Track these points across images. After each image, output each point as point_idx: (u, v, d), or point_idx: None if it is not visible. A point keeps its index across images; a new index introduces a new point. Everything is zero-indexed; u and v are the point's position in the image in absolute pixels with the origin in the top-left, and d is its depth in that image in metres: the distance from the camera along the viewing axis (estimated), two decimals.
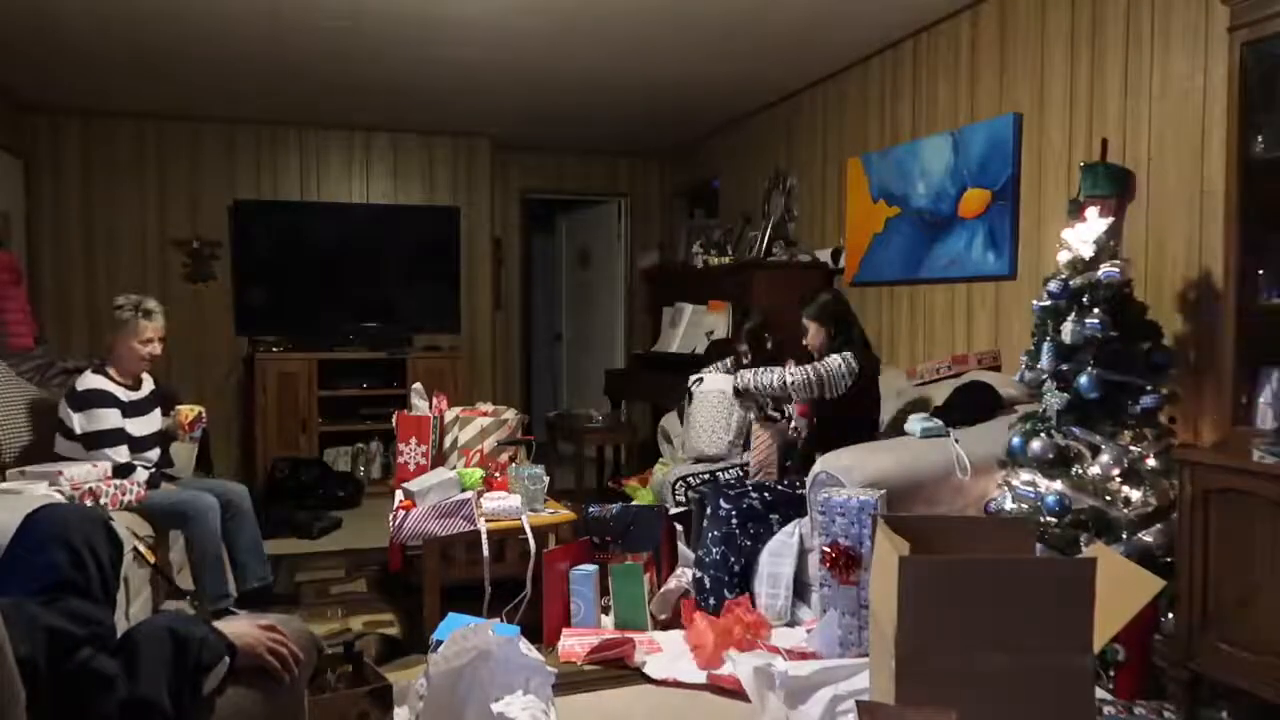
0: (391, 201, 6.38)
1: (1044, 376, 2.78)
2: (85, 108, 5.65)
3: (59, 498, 2.75)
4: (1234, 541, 2.21)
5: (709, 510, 3.26)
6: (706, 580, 3.15)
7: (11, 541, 1.50)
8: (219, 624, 1.48)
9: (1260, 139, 2.33)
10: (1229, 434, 2.38)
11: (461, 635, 2.26)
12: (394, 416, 3.89)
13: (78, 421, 3.19)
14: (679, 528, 3.64)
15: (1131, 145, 3.11)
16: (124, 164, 5.83)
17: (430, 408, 3.86)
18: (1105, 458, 2.61)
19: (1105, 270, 2.68)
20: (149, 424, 3.42)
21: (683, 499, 3.75)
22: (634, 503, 3.95)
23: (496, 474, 3.61)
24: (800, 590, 3.16)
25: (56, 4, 3.83)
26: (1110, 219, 2.80)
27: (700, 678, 2.70)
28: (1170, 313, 2.92)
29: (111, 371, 3.32)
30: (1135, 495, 2.56)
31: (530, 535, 3.16)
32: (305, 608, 3.52)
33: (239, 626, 1.50)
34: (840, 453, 3.06)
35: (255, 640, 1.48)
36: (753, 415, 3.75)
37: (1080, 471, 2.65)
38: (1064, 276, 2.78)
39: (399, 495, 3.42)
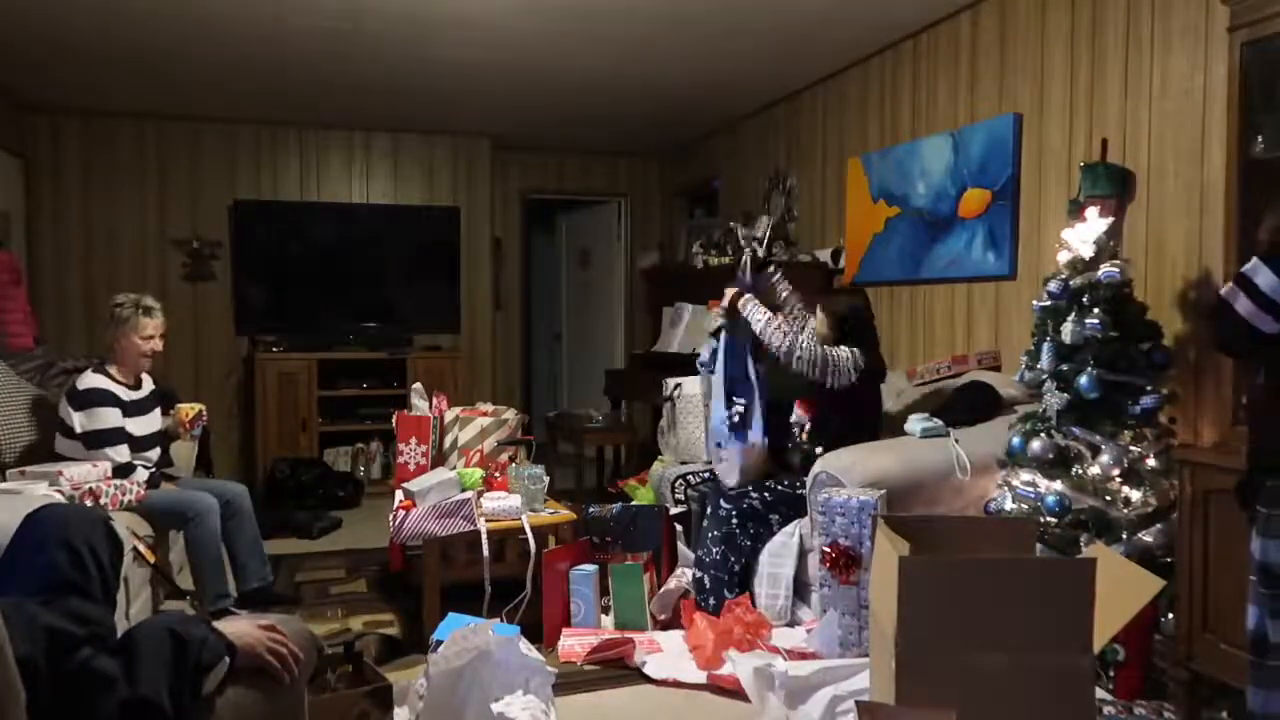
0: (392, 201, 6.38)
1: (1044, 376, 2.78)
2: (85, 108, 5.65)
3: (59, 498, 2.75)
4: (1234, 541, 2.21)
5: (709, 510, 3.26)
6: (706, 580, 3.15)
7: (12, 541, 1.51)
8: (219, 624, 1.48)
9: (1260, 139, 2.33)
10: (1229, 434, 2.37)
11: (461, 635, 2.26)
12: (394, 416, 3.89)
13: (78, 420, 3.19)
14: (679, 528, 3.64)
15: (1131, 145, 3.11)
16: (124, 164, 5.83)
17: (430, 408, 3.86)
18: (1105, 458, 2.61)
19: (1105, 270, 2.68)
20: (149, 423, 3.43)
21: (682, 497, 3.74)
22: (634, 503, 3.95)
23: (496, 474, 3.61)
24: (800, 590, 3.16)
25: (56, 4, 3.83)
26: (1110, 219, 2.80)
27: (700, 678, 2.70)
28: (1170, 313, 2.92)
29: (112, 370, 3.32)
30: (1135, 495, 2.56)
31: (530, 535, 3.16)
32: (305, 608, 3.52)
33: (239, 627, 1.50)
34: (840, 453, 3.06)
35: (255, 640, 1.48)
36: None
37: (1080, 471, 2.65)
38: (1064, 276, 2.78)
39: (399, 495, 3.43)
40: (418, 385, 4.10)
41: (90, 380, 3.24)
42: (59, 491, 2.84)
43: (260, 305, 6.02)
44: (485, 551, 3.11)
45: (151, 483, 3.30)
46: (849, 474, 2.93)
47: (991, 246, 3.75)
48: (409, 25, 4.12)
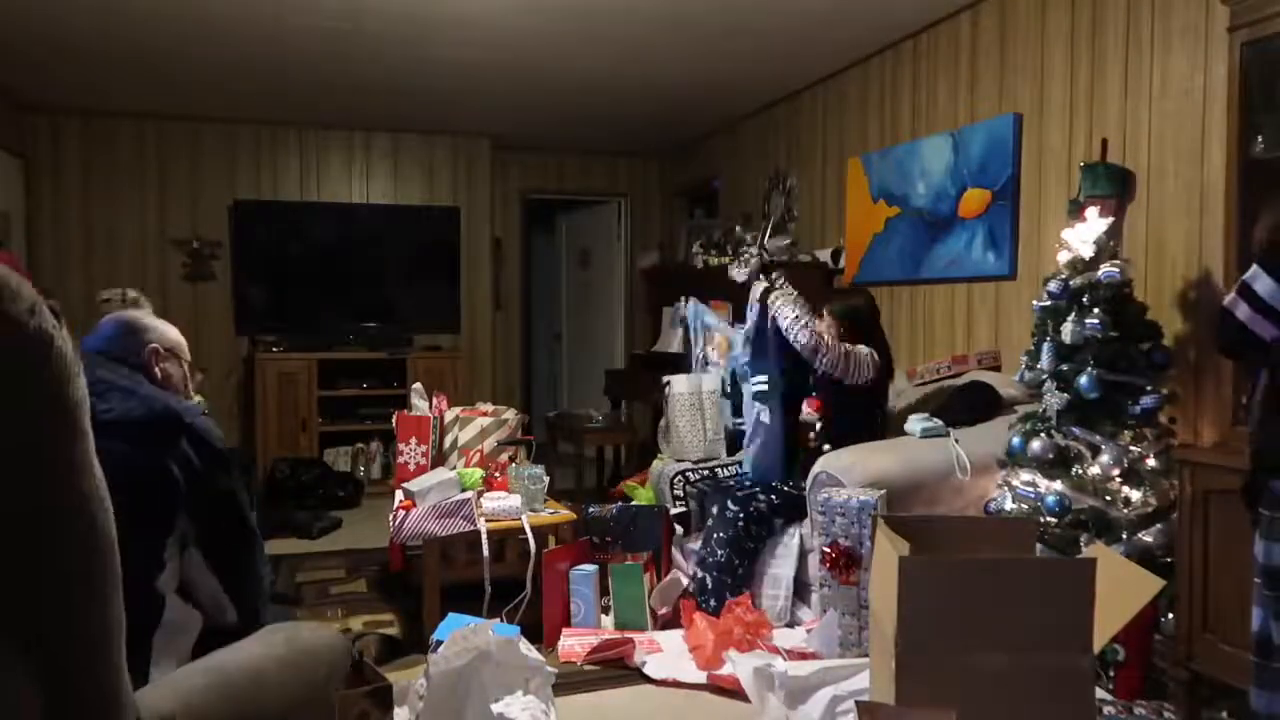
0: (392, 201, 6.38)
1: (1044, 376, 2.78)
2: (85, 108, 5.65)
3: None
4: (1234, 542, 2.21)
5: (715, 510, 3.25)
6: (709, 580, 3.14)
7: None
8: None
9: (1260, 139, 2.33)
10: (1229, 434, 2.37)
11: (461, 635, 2.26)
12: (394, 416, 3.89)
13: None
14: (679, 528, 3.64)
15: (1131, 145, 3.11)
16: (124, 164, 5.83)
17: (430, 408, 3.86)
18: (1105, 458, 2.61)
19: (1105, 270, 2.68)
20: None
21: (681, 494, 3.74)
22: (634, 503, 3.95)
23: (496, 474, 3.61)
24: (800, 590, 3.16)
25: (56, 4, 3.83)
26: (1110, 219, 2.80)
27: (700, 678, 2.70)
28: (1170, 313, 2.92)
29: None
30: (1135, 495, 2.56)
31: (530, 535, 3.16)
32: (305, 608, 3.52)
33: None
34: (840, 453, 3.06)
35: None
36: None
37: (1080, 471, 2.65)
38: (1064, 276, 2.78)
39: (399, 495, 3.43)
40: (418, 385, 4.10)
41: None
42: None
43: (260, 305, 6.02)
44: (485, 551, 3.11)
45: None
46: (849, 474, 2.93)
47: (991, 246, 3.75)
48: (409, 25, 4.12)
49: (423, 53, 4.53)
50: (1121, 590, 1.85)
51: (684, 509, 3.70)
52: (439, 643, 2.35)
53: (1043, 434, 2.74)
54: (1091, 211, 2.80)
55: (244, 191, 6.03)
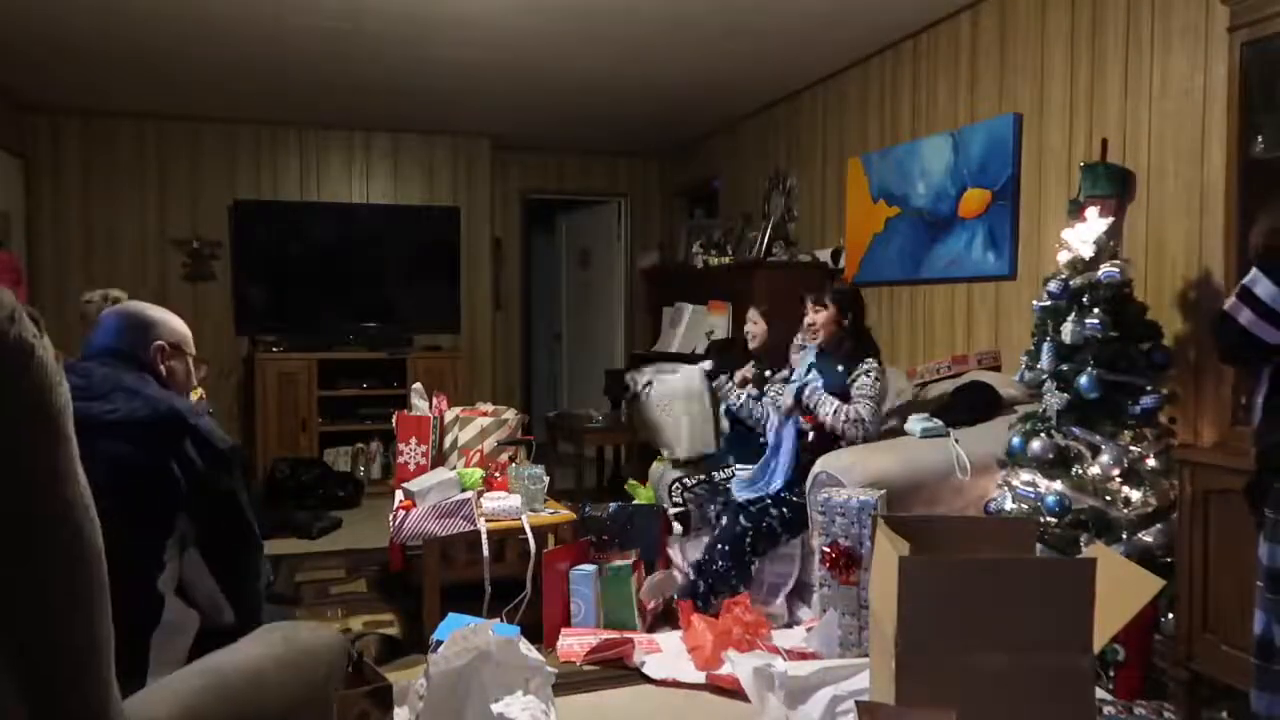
0: (392, 201, 6.38)
1: (1044, 376, 2.78)
2: (85, 108, 5.65)
3: None
4: (1234, 541, 2.21)
5: (724, 521, 3.22)
6: (701, 585, 3.13)
7: None
8: None
9: (1260, 139, 2.33)
10: (1229, 434, 2.37)
11: (461, 635, 2.26)
12: (394, 416, 3.89)
13: None
14: (678, 527, 3.64)
15: (1131, 145, 3.11)
16: (124, 164, 5.83)
17: (430, 408, 3.86)
18: (1105, 458, 2.61)
19: (1105, 270, 2.68)
20: None
21: (679, 501, 3.74)
22: (633, 502, 3.95)
23: (496, 474, 3.61)
24: (800, 590, 3.16)
25: (56, 4, 3.83)
26: (1110, 219, 2.80)
27: (700, 678, 2.70)
28: (1170, 313, 2.92)
29: None
30: (1135, 495, 2.56)
31: (530, 535, 3.16)
32: (305, 608, 3.52)
33: None
34: (841, 452, 3.06)
35: None
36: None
37: (1080, 471, 2.65)
38: (1064, 276, 2.78)
39: (399, 495, 3.42)
40: (418, 385, 4.10)
41: None
42: None
43: (260, 305, 6.02)
44: (485, 551, 3.11)
45: None
46: (849, 474, 2.93)
47: (991, 246, 3.75)
48: (409, 25, 4.12)
49: (423, 53, 4.53)
50: (1121, 590, 1.85)
51: (682, 509, 3.70)
52: (439, 643, 2.35)
53: (1043, 434, 2.74)
54: (1091, 211, 2.80)
55: (244, 191, 6.03)
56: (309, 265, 6.06)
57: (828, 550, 2.78)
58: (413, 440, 3.75)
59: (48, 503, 0.97)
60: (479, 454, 3.80)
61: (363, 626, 3.26)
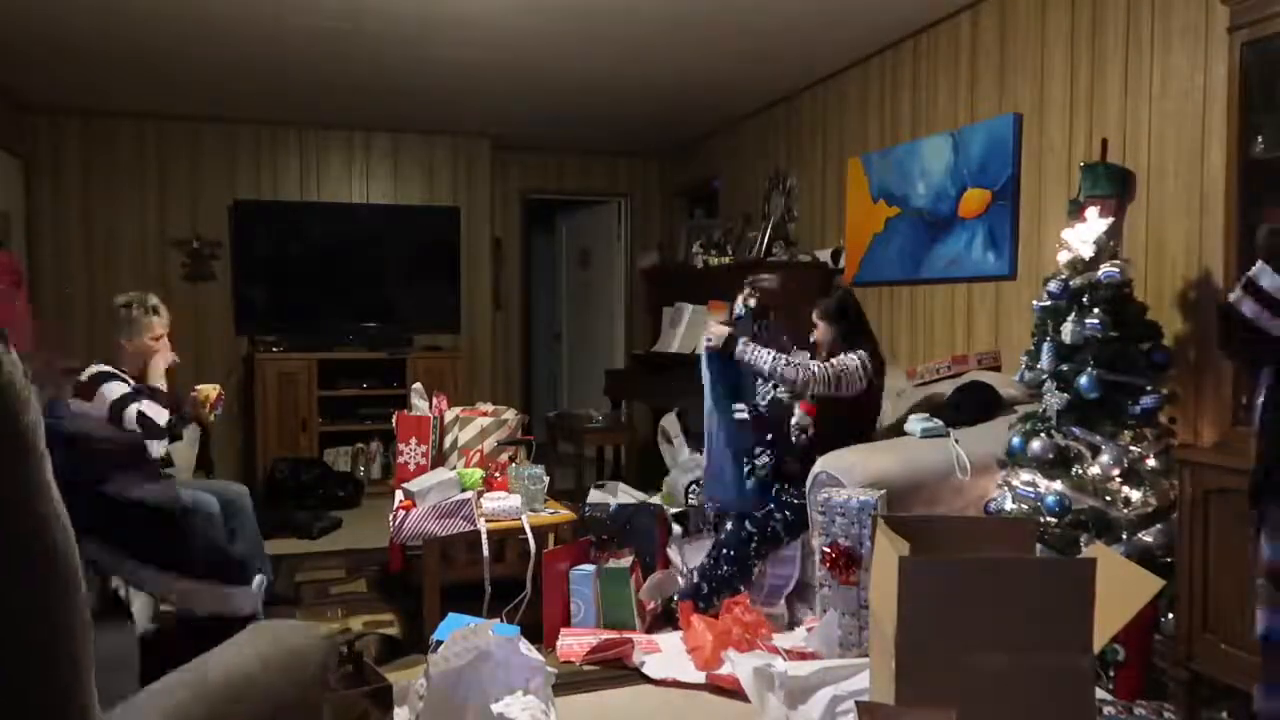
0: (392, 201, 6.38)
1: (1044, 376, 2.78)
2: (85, 108, 5.65)
3: None
4: (1234, 541, 2.21)
5: (730, 526, 3.21)
6: (705, 588, 3.13)
7: None
8: None
9: (1260, 139, 2.33)
10: (1229, 434, 2.37)
11: (461, 635, 2.26)
12: (394, 416, 3.89)
13: (93, 406, 3.15)
14: (677, 528, 3.64)
15: (1131, 145, 3.11)
16: (124, 164, 5.83)
17: (430, 408, 3.86)
18: (1105, 458, 2.61)
19: (1105, 270, 2.68)
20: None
21: (695, 502, 3.72)
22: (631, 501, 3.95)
23: (496, 474, 3.61)
24: (801, 590, 3.16)
25: (56, 4, 3.83)
26: (1110, 219, 2.80)
27: (700, 678, 2.70)
28: (1170, 313, 2.92)
29: (120, 370, 3.30)
30: (1135, 495, 2.56)
31: (530, 535, 3.16)
32: (305, 608, 3.52)
33: None
34: (841, 452, 3.05)
35: None
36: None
37: (1080, 472, 2.65)
38: (1064, 276, 2.78)
39: (399, 495, 3.43)
40: (418, 385, 4.10)
41: (96, 368, 3.21)
42: None
43: (260, 305, 6.02)
44: (485, 551, 3.11)
45: None
46: (849, 474, 2.93)
47: (991, 246, 3.75)
48: (409, 25, 4.12)
49: (423, 53, 4.53)
50: (1121, 590, 1.85)
51: (681, 509, 3.70)
52: (439, 643, 2.35)
53: (1043, 434, 2.74)
54: (1091, 211, 2.80)
55: (244, 191, 6.03)
56: (309, 265, 6.06)
57: (828, 550, 2.78)
58: (413, 440, 3.75)
59: (20, 519, 0.95)
60: (479, 454, 3.80)
61: (363, 626, 3.26)
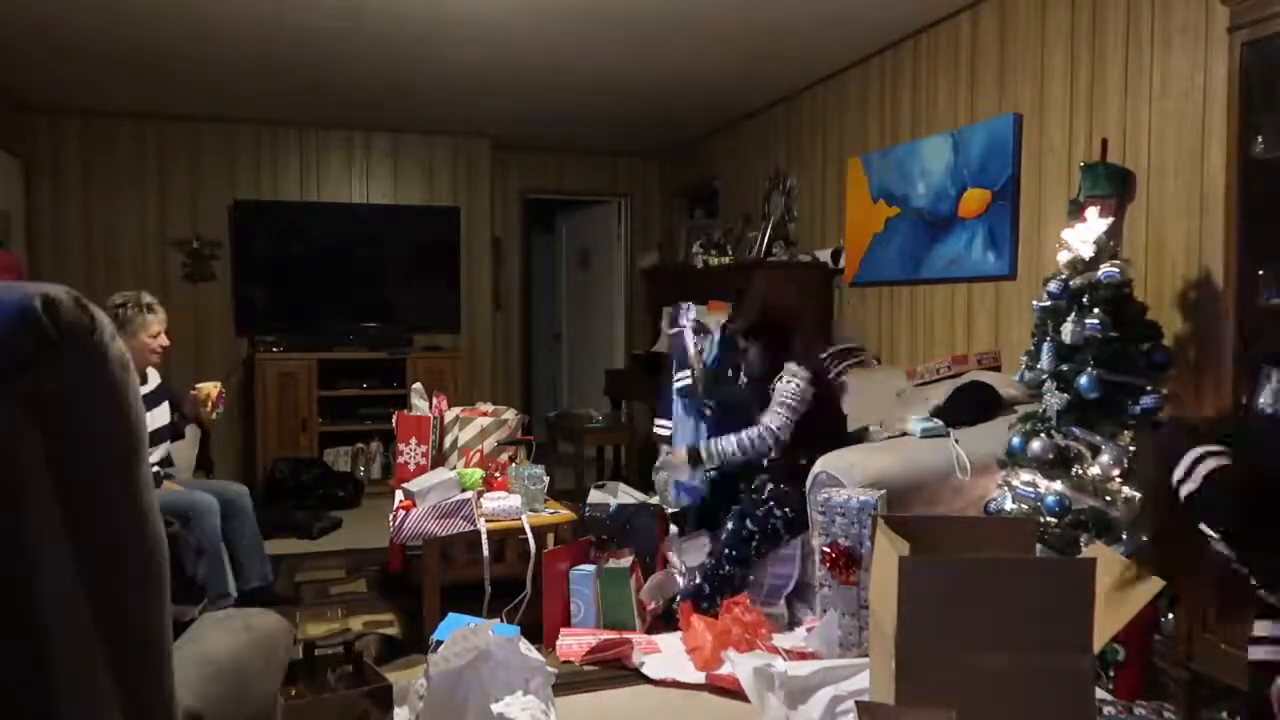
0: (392, 201, 6.38)
1: (1044, 376, 2.78)
2: (85, 108, 5.65)
3: None
4: None
5: (731, 526, 3.19)
6: (706, 587, 3.13)
7: None
8: None
9: (1260, 139, 2.33)
10: None
11: (461, 635, 2.26)
12: (394, 416, 3.89)
13: None
14: (674, 528, 3.64)
15: (1131, 145, 3.11)
16: (124, 164, 5.83)
17: (430, 408, 3.86)
18: (1105, 458, 2.61)
19: (1105, 270, 2.68)
20: (155, 419, 3.40)
21: (688, 500, 3.73)
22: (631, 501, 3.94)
23: (496, 474, 3.61)
24: (801, 590, 3.16)
25: (56, 4, 3.83)
26: (1110, 219, 2.80)
27: (700, 678, 2.70)
28: (1170, 313, 2.92)
29: None
30: (1135, 495, 2.55)
31: (530, 535, 3.16)
32: (305, 608, 3.52)
33: None
34: (841, 452, 3.05)
35: None
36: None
37: (1080, 472, 2.65)
38: (1064, 277, 2.78)
39: (399, 495, 3.42)
40: (418, 385, 4.10)
41: None
42: None
43: (260, 305, 6.02)
44: (485, 551, 3.11)
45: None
46: (849, 474, 2.93)
47: (991, 246, 3.75)
48: (409, 25, 4.12)
49: (423, 52, 4.53)
50: (1121, 590, 1.85)
51: (679, 510, 3.69)
52: (439, 643, 2.35)
53: (1043, 434, 2.74)
54: (1091, 211, 2.80)
55: (244, 191, 6.03)
56: (309, 265, 6.06)
57: (828, 550, 2.78)
58: (413, 440, 3.75)
59: (132, 515, 1.02)
60: (479, 454, 3.80)
61: (363, 626, 3.26)
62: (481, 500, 3.32)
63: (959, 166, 3.92)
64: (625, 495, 3.90)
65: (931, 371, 3.86)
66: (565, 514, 3.37)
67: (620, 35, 4.26)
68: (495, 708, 2.20)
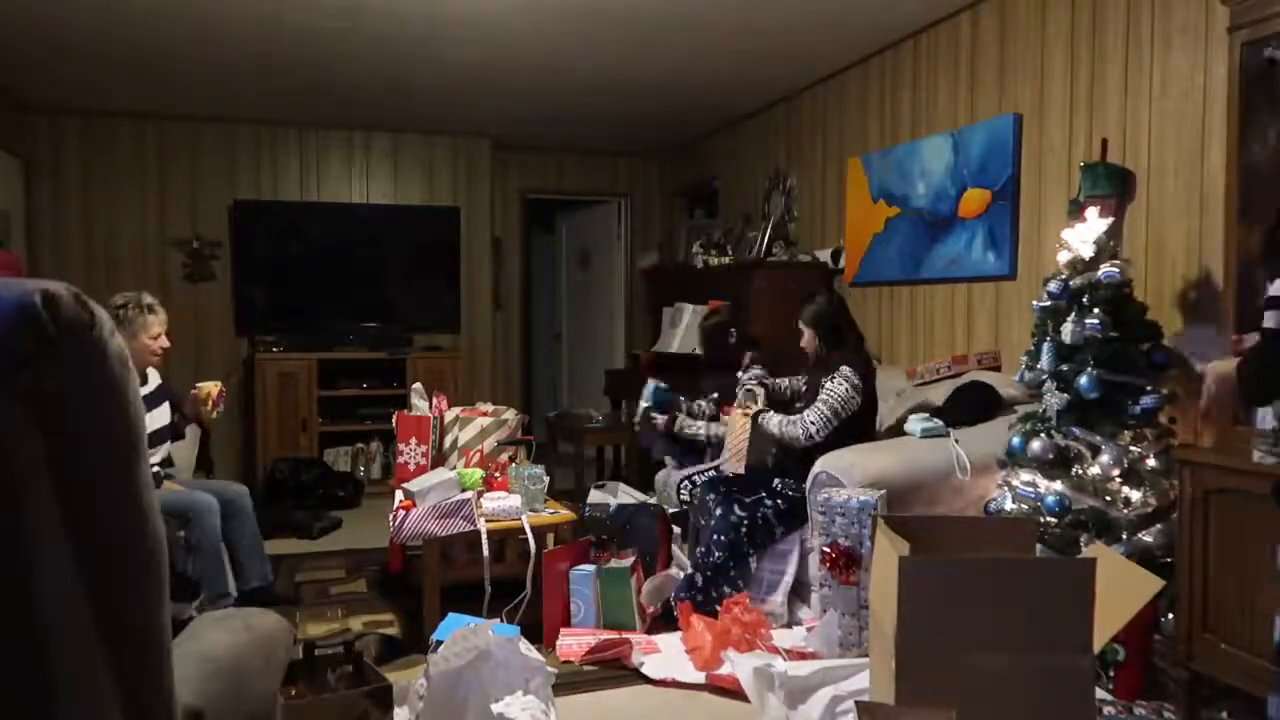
0: (392, 201, 6.38)
1: (1044, 376, 2.78)
2: (85, 108, 5.65)
3: None
4: (1234, 541, 2.21)
5: (719, 512, 3.22)
6: (699, 579, 3.14)
7: None
8: None
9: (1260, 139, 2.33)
10: (1229, 434, 2.37)
11: (461, 635, 2.26)
12: (394, 416, 3.89)
13: None
14: (676, 529, 3.64)
15: (1131, 145, 3.11)
16: (124, 164, 5.83)
17: (430, 408, 3.86)
18: (1105, 458, 2.61)
19: (1105, 270, 2.68)
20: (155, 420, 3.40)
21: (687, 497, 3.73)
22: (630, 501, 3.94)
23: (496, 474, 3.61)
24: (800, 590, 3.16)
25: (56, 4, 3.83)
26: (1110, 219, 2.80)
27: (699, 678, 2.70)
28: (1170, 313, 2.92)
29: None
30: (1135, 495, 2.56)
31: (530, 535, 3.16)
32: (305, 608, 3.52)
33: None
34: (841, 452, 3.05)
35: None
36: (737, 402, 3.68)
37: (1080, 472, 2.65)
38: (1064, 277, 2.78)
39: (399, 495, 3.42)
40: (418, 385, 4.10)
41: None
42: None
43: (260, 305, 6.02)
44: (485, 551, 3.11)
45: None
46: (849, 474, 2.93)
47: (991, 246, 3.75)
48: (409, 25, 4.12)
49: (423, 52, 4.53)
50: (1121, 590, 1.85)
51: (679, 510, 3.69)
52: (439, 643, 2.35)
53: (1043, 434, 2.74)
54: (1091, 211, 2.80)
55: (244, 191, 6.03)
56: (309, 265, 6.06)
57: (828, 550, 2.78)
58: (413, 440, 3.74)
59: (132, 514, 1.02)
60: (479, 454, 3.80)
61: (363, 626, 3.26)
62: (481, 500, 3.31)
63: (959, 166, 3.92)
64: (625, 495, 3.91)
65: (931, 371, 3.86)
66: (565, 514, 3.37)
67: (620, 35, 4.26)
68: (495, 708, 2.20)
